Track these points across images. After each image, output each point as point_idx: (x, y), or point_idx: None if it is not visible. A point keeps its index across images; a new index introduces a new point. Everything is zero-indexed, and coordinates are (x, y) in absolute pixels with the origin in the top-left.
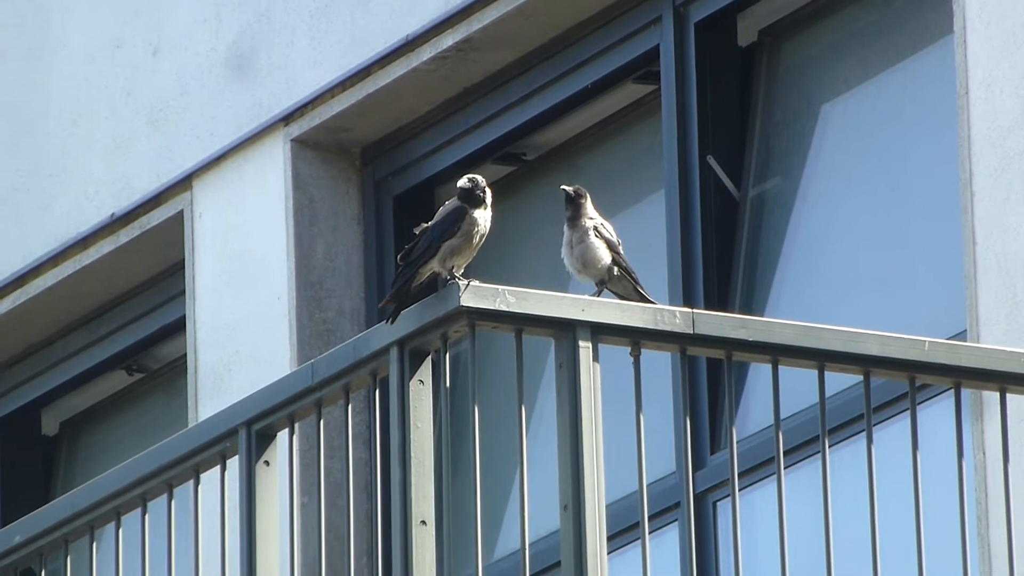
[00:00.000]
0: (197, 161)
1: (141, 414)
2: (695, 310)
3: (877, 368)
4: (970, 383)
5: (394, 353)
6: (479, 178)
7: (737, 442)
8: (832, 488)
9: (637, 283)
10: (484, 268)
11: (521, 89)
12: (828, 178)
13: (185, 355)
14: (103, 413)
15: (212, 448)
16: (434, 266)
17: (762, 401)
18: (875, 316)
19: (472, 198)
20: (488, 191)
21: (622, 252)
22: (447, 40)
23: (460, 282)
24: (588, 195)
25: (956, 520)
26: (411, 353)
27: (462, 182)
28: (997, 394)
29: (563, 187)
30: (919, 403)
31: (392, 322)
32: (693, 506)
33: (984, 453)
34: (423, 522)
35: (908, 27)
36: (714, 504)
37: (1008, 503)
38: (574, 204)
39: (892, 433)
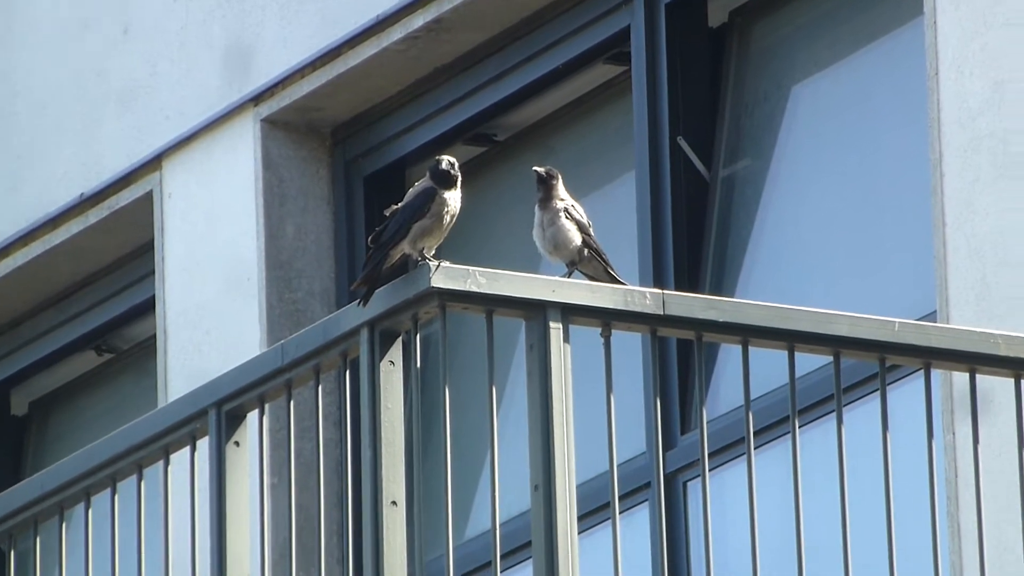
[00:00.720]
0: (167, 141)
1: (111, 394)
2: (665, 291)
3: (847, 349)
4: (940, 364)
5: (364, 334)
6: (450, 158)
7: (707, 422)
8: (802, 469)
9: (608, 264)
10: (455, 249)
11: (492, 69)
12: (798, 159)
13: (155, 335)
14: (73, 393)
15: (182, 429)
16: (405, 248)
17: (732, 382)
18: (845, 297)
19: (442, 178)
20: (457, 170)
21: (593, 233)
22: (418, 20)
23: (431, 263)
24: (559, 176)
25: (926, 500)
26: (381, 334)
27: (432, 163)
28: (967, 375)
29: (534, 168)
30: (889, 384)
31: (364, 305)
32: (663, 486)
33: (954, 434)
34: (394, 503)
35: (878, 8)
36: (684, 484)
37: (978, 484)
38: (545, 185)
39: (862, 414)
